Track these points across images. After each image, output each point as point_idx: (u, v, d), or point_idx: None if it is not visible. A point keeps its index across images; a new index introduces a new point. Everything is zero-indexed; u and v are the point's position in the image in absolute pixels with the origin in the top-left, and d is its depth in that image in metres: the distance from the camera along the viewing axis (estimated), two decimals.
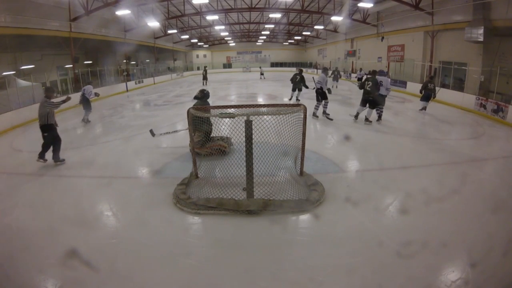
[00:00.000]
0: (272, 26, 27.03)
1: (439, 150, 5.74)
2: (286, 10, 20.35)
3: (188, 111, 3.94)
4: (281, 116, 3.61)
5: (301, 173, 4.21)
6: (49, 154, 5.17)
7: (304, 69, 13.11)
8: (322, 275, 2.49)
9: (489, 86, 10.49)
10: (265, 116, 3.56)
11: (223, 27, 25.27)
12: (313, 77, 9.83)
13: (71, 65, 14.86)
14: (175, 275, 2.53)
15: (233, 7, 20.13)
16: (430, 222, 3.22)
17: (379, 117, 7.89)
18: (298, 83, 10.13)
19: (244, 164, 3.51)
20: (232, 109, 3.74)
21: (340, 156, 5.30)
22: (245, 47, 37.21)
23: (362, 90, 7.66)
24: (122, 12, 15.26)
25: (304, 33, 29.48)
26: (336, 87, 15.53)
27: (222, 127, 4.34)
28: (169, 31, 24.36)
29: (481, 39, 10.75)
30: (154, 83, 22.30)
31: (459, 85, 11.78)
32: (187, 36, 28.47)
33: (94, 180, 4.59)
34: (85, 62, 18.15)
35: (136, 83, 19.79)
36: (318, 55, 31.88)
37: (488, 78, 10.58)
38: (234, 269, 2.58)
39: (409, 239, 2.91)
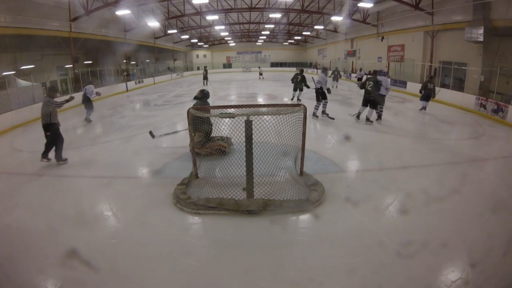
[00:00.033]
0: (272, 26, 27.03)
1: (439, 150, 5.74)
2: (286, 10, 20.35)
3: (188, 111, 3.94)
4: (281, 116, 3.61)
5: (301, 173, 4.21)
6: (51, 154, 5.18)
7: (304, 69, 13.13)
8: (322, 275, 2.49)
9: (489, 86, 10.50)
10: (265, 116, 3.56)
11: (223, 27, 25.27)
12: (312, 77, 9.84)
13: (71, 65, 14.86)
14: (175, 275, 2.53)
15: (233, 7, 20.12)
16: (430, 222, 3.22)
17: (379, 117, 7.89)
18: (299, 83, 10.15)
19: (244, 164, 3.51)
20: (232, 109, 3.74)
21: (340, 156, 5.30)
22: (245, 47, 37.21)
23: (362, 90, 7.67)
24: (122, 12, 15.26)
25: (304, 33, 29.47)
26: (336, 87, 15.53)
27: (222, 127, 4.34)
28: (169, 31, 24.36)
29: (481, 39, 10.75)
30: (154, 83, 22.30)
31: (459, 85, 11.78)
32: (187, 36, 28.47)
33: (94, 180, 4.59)
34: (85, 62, 18.16)
35: (136, 83, 19.78)
36: (318, 55, 31.88)
37: (488, 78, 10.59)
38: (234, 269, 2.57)
39: (409, 239, 2.91)
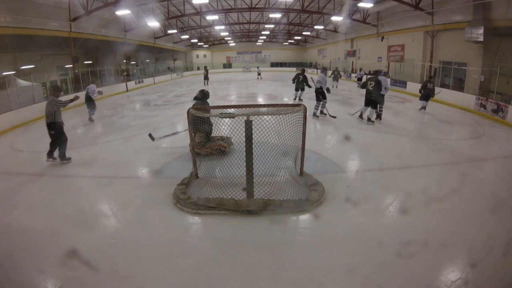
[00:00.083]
0: (272, 26, 27.03)
1: (439, 150, 5.74)
2: (286, 10, 20.35)
3: (188, 111, 3.94)
4: (281, 116, 3.61)
5: (301, 173, 4.21)
6: (56, 153, 5.20)
7: (305, 69, 13.15)
8: (322, 275, 2.49)
9: (489, 86, 10.50)
10: (265, 116, 3.55)
11: (223, 27, 25.27)
12: (311, 77, 9.86)
13: (71, 65, 14.86)
14: (175, 275, 2.53)
15: (233, 7, 20.13)
16: (430, 222, 3.22)
17: (379, 117, 7.91)
18: (300, 83, 10.19)
19: (244, 164, 3.51)
20: (232, 109, 3.74)
21: (340, 156, 5.30)
22: (245, 47, 37.21)
23: (362, 90, 7.68)
24: (122, 12, 15.26)
25: (304, 33, 29.47)
26: (336, 87, 15.54)
27: (222, 127, 4.34)
28: (169, 31, 24.36)
29: (481, 39, 10.75)
30: (154, 83, 22.30)
31: (459, 85, 11.78)
32: (187, 36, 28.47)
33: (94, 180, 4.59)
34: (85, 62, 18.15)
35: (136, 83, 19.79)
36: (318, 55, 31.88)
37: (488, 78, 10.59)
38: (234, 269, 2.58)
39: (409, 239, 2.91)
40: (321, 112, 8.28)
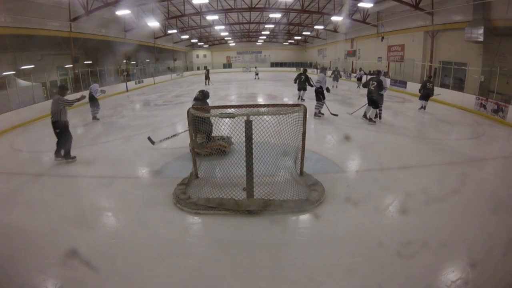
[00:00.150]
0: (272, 26, 27.03)
1: (439, 150, 5.74)
2: (286, 10, 20.35)
3: (188, 112, 3.94)
4: (281, 116, 3.61)
5: (301, 173, 4.21)
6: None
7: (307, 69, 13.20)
8: (322, 275, 2.49)
9: (489, 86, 10.50)
10: (265, 116, 3.55)
11: (223, 27, 25.28)
12: (310, 78, 9.89)
13: (71, 65, 14.86)
14: (175, 275, 2.53)
15: (233, 7, 20.13)
16: (430, 222, 3.22)
17: (379, 116, 7.92)
18: (303, 82, 10.22)
19: (244, 164, 3.51)
20: (232, 109, 3.74)
21: (340, 156, 5.30)
22: (245, 47, 37.22)
23: (363, 90, 7.70)
24: (122, 12, 15.27)
25: (304, 33, 29.47)
26: (336, 87, 15.54)
27: (222, 127, 4.34)
28: (169, 31, 24.36)
29: (481, 39, 10.75)
30: (154, 83, 22.30)
31: (459, 85, 11.78)
32: (187, 36, 28.48)
33: (94, 180, 4.59)
34: (85, 62, 18.16)
35: (136, 83, 19.79)
36: (318, 55, 31.88)
37: (488, 78, 10.59)
38: (234, 269, 2.57)
39: (409, 239, 2.91)
40: (319, 112, 8.31)
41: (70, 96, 5.56)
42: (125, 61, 21.24)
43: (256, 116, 3.47)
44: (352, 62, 23.37)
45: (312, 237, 3.05)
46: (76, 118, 9.10)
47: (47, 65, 15.20)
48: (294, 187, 3.81)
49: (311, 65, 31.22)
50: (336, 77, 16.03)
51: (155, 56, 26.22)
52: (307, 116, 3.98)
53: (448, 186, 4.16)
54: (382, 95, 7.74)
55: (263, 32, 30.24)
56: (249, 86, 18.95)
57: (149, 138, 5.74)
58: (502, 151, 6.05)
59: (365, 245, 2.84)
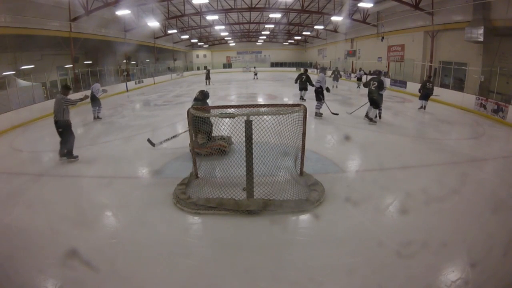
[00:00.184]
0: (272, 26, 27.03)
1: (439, 150, 5.74)
2: (286, 10, 20.35)
3: (188, 112, 3.94)
4: (281, 116, 3.60)
5: (301, 173, 4.21)
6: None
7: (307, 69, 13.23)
8: (322, 275, 2.49)
9: (489, 86, 10.50)
10: (265, 116, 3.55)
11: (223, 27, 25.28)
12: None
13: (71, 65, 14.86)
14: (175, 275, 2.53)
15: (233, 7, 20.13)
16: (430, 222, 3.22)
17: (379, 116, 7.93)
18: (304, 82, 10.25)
19: (244, 164, 3.51)
20: (232, 109, 3.74)
21: (340, 156, 5.30)
22: (245, 47, 37.22)
23: (363, 90, 7.71)
24: (122, 12, 15.26)
25: (304, 33, 29.47)
26: (336, 87, 15.55)
27: (222, 127, 4.34)
28: (169, 31, 24.36)
29: (481, 39, 10.75)
30: (154, 83, 22.31)
31: (459, 85, 11.78)
32: (187, 36, 28.48)
33: (94, 180, 4.59)
34: (85, 62, 18.16)
35: (136, 83, 19.79)
36: (318, 55, 31.88)
37: (488, 78, 10.59)
38: (234, 269, 2.57)
39: (409, 239, 2.91)
40: (319, 112, 8.31)
41: (72, 96, 5.56)
42: (125, 61, 21.24)
43: (256, 116, 3.47)
44: (352, 62, 23.37)
45: (312, 237, 3.05)
46: (76, 118, 9.10)
47: (47, 65, 15.20)
48: (294, 187, 3.81)
49: (311, 65, 31.22)
50: (336, 77, 16.03)
51: (155, 56, 26.23)
52: (307, 116, 3.98)
53: (448, 186, 4.15)
54: (381, 95, 7.75)
55: (263, 32, 30.23)
56: (249, 86, 18.96)
57: (149, 140, 5.73)
58: (502, 151, 6.05)
59: (365, 245, 2.84)
